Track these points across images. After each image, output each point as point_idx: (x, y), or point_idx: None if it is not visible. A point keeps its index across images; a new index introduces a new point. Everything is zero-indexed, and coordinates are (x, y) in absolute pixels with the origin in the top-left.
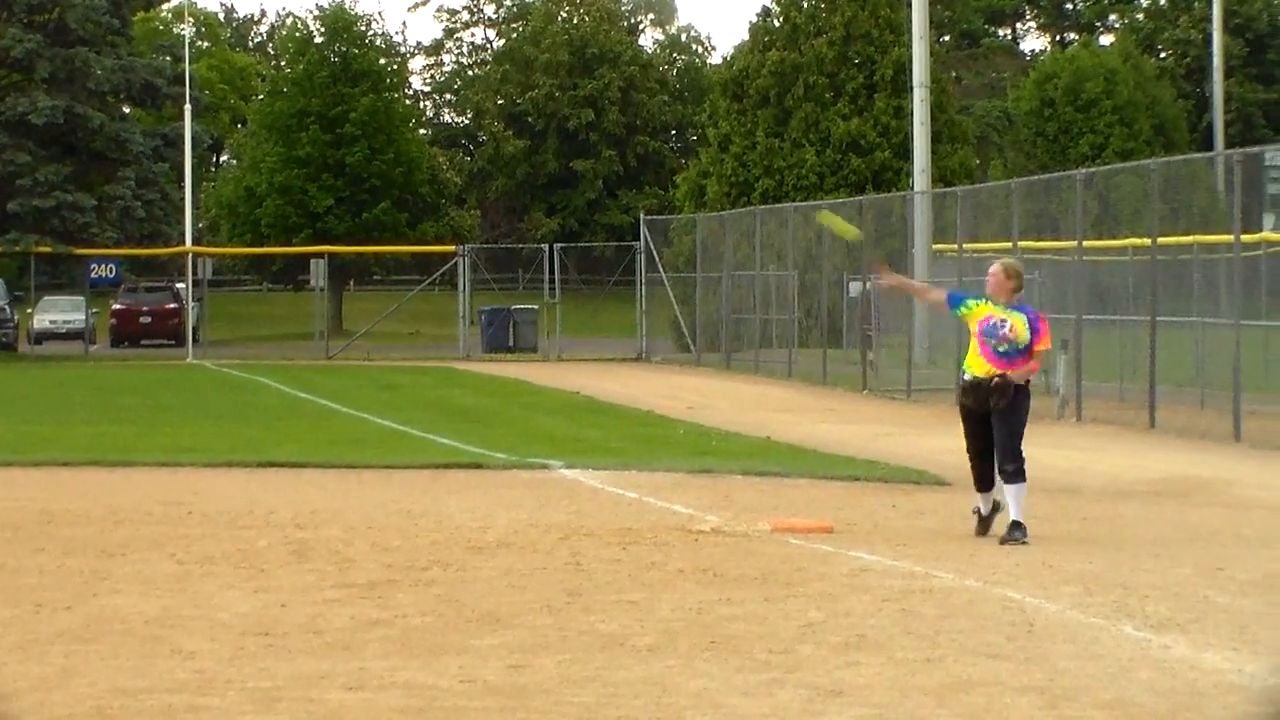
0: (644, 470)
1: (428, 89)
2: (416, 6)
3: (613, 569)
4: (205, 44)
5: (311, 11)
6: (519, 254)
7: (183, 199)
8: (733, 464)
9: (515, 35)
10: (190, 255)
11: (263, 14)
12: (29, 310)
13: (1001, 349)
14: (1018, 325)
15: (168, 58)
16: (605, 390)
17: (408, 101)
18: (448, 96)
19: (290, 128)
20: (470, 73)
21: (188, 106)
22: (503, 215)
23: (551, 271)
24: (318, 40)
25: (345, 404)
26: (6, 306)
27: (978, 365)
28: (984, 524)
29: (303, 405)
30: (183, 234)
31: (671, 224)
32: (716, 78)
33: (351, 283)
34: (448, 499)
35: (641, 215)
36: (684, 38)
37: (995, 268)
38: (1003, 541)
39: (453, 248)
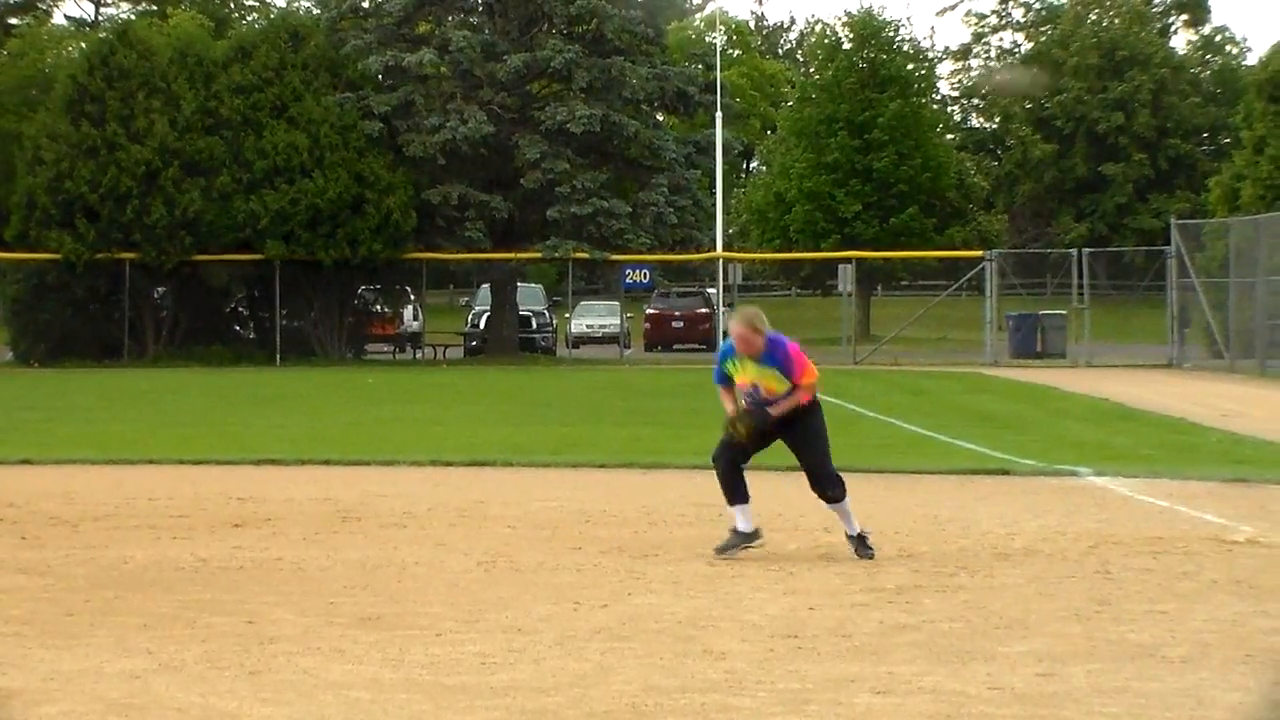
0: (1175, 478)
1: (955, 93)
2: (944, 11)
3: (1143, 578)
4: (736, 52)
5: (840, 18)
6: (1046, 259)
7: (714, 205)
8: (1269, 474)
9: (1044, 38)
10: (721, 260)
11: (792, 21)
12: (567, 315)
13: (769, 404)
14: (771, 384)
15: (699, 66)
16: (1135, 397)
17: (935, 106)
18: (975, 101)
19: (819, 134)
20: (999, 76)
21: (718, 114)
22: (1030, 220)
23: (1080, 277)
24: (846, 46)
25: (872, 409)
26: (546, 311)
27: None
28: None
29: (831, 409)
30: (713, 239)
31: (1204, 228)
32: (1252, 79)
33: (879, 287)
34: (975, 505)
35: (1173, 220)
36: (1218, 38)
37: (736, 328)
38: (861, 555)
39: (980, 253)
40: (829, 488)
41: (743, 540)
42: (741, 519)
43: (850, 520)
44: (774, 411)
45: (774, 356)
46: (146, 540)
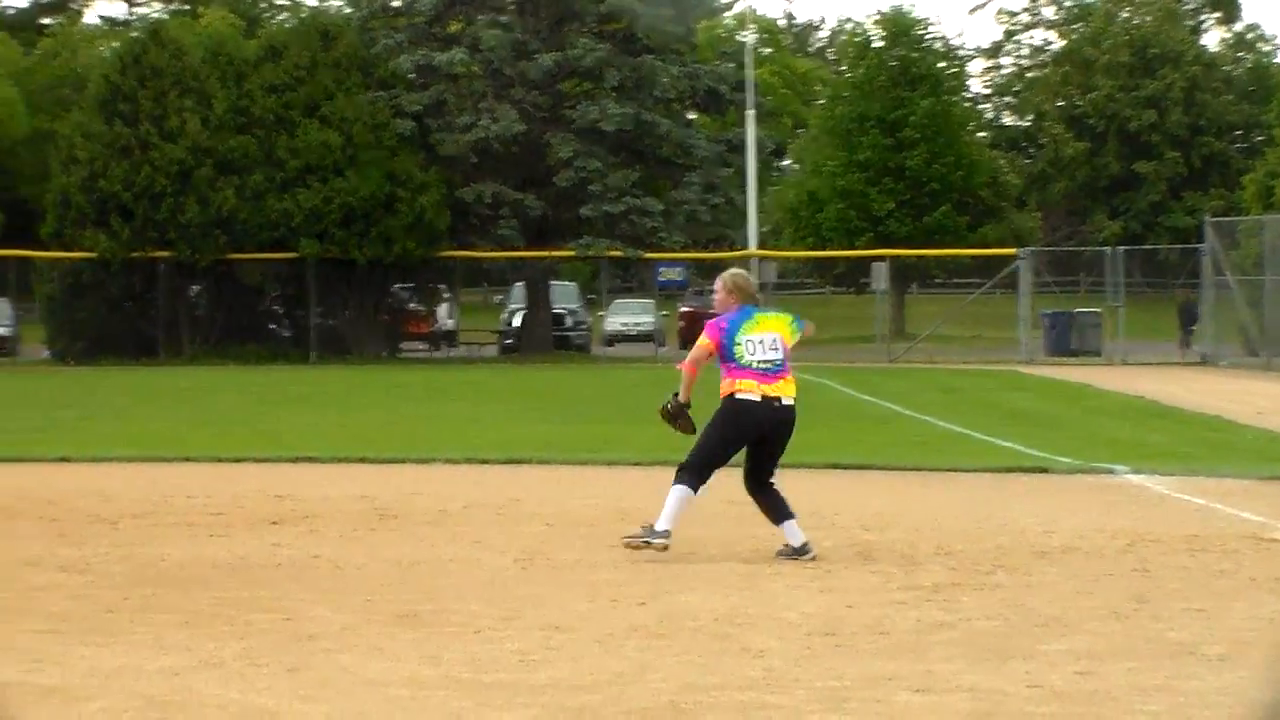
0: (1211, 476)
1: (987, 91)
2: (976, 9)
3: (1181, 576)
4: (767, 50)
5: (871, 16)
6: (1080, 257)
7: (746, 203)
8: None
9: (1075, 36)
10: (754, 259)
11: (823, 20)
12: (600, 313)
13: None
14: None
15: (731, 64)
16: (1170, 394)
17: (967, 104)
18: (1007, 99)
19: (851, 132)
20: (1030, 75)
21: (750, 112)
22: (1063, 218)
23: (1114, 275)
24: (877, 44)
25: (908, 406)
26: (580, 309)
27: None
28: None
29: (865, 408)
30: (746, 238)
31: (1238, 226)
32: None
33: (913, 285)
34: (1012, 503)
35: (1206, 218)
36: (1250, 36)
37: (717, 283)
38: (630, 545)
39: (1013, 251)
40: (681, 466)
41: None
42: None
43: (671, 516)
44: (682, 396)
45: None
46: (184, 538)
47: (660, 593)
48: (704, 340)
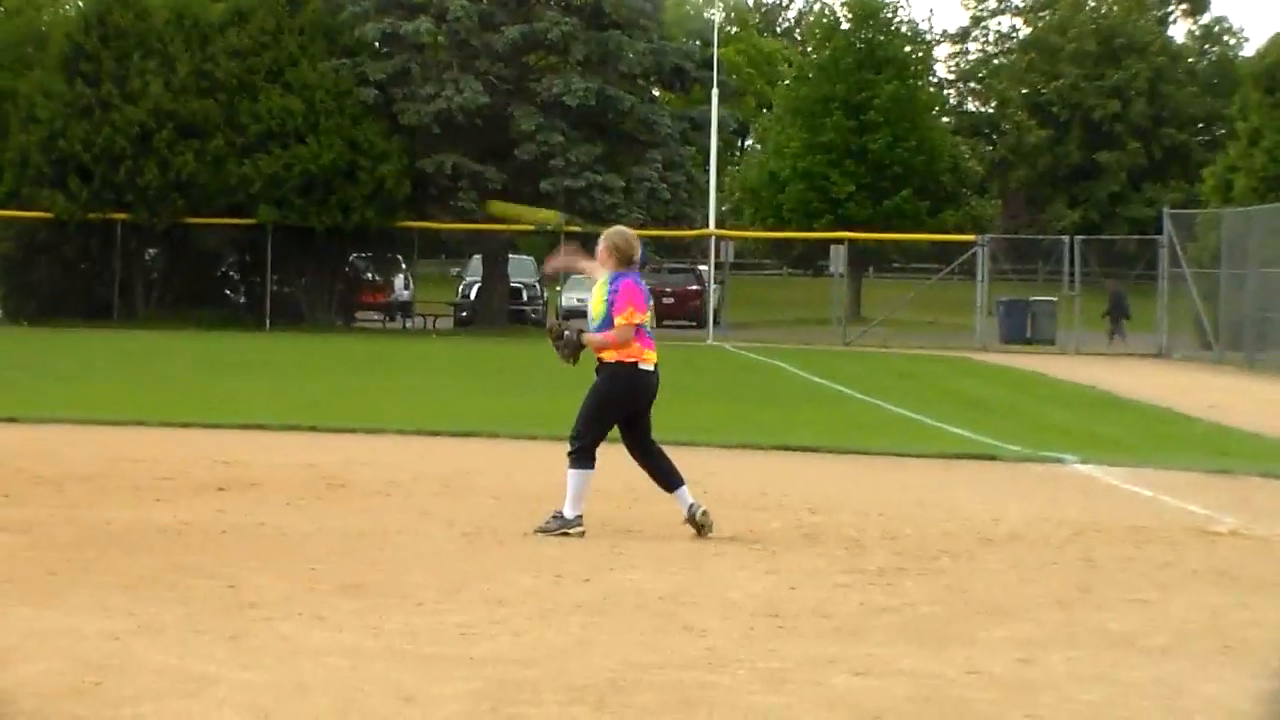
0: (1160, 468)
1: (952, 77)
2: None
3: (1125, 566)
4: (734, 29)
5: None
6: (1039, 245)
7: (707, 182)
8: (1253, 466)
9: (1042, 24)
10: (713, 238)
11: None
12: (558, 288)
13: (593, 327)
14: (595, 298)
15: (697, 42)
16: (1122, 385)
17: (932, 89)
18: (972, 85)
19: (815, 113)
20: (995, 61)
21: (715, 90)
22: (1023, 205)
23: (1071, 264)
24: (844, 26)
25: (861, 390)
26: (537, 284)
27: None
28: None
29: (819, 390)
30: (706, 216)
31: (1196, 219)
32: (1248, 70)
33: (871, 269)
34: (959, 489)
35: (1166, 209)
36: (1216, 28)
37: (600, 240)
38: (547, 532)
39: (972, 237)
40: (571, 444)
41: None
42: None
43: (577, 499)
44: (587, 336)
45: (615, 279)
46: (130, 501)
47: (604, 570)
48: (636, 315)
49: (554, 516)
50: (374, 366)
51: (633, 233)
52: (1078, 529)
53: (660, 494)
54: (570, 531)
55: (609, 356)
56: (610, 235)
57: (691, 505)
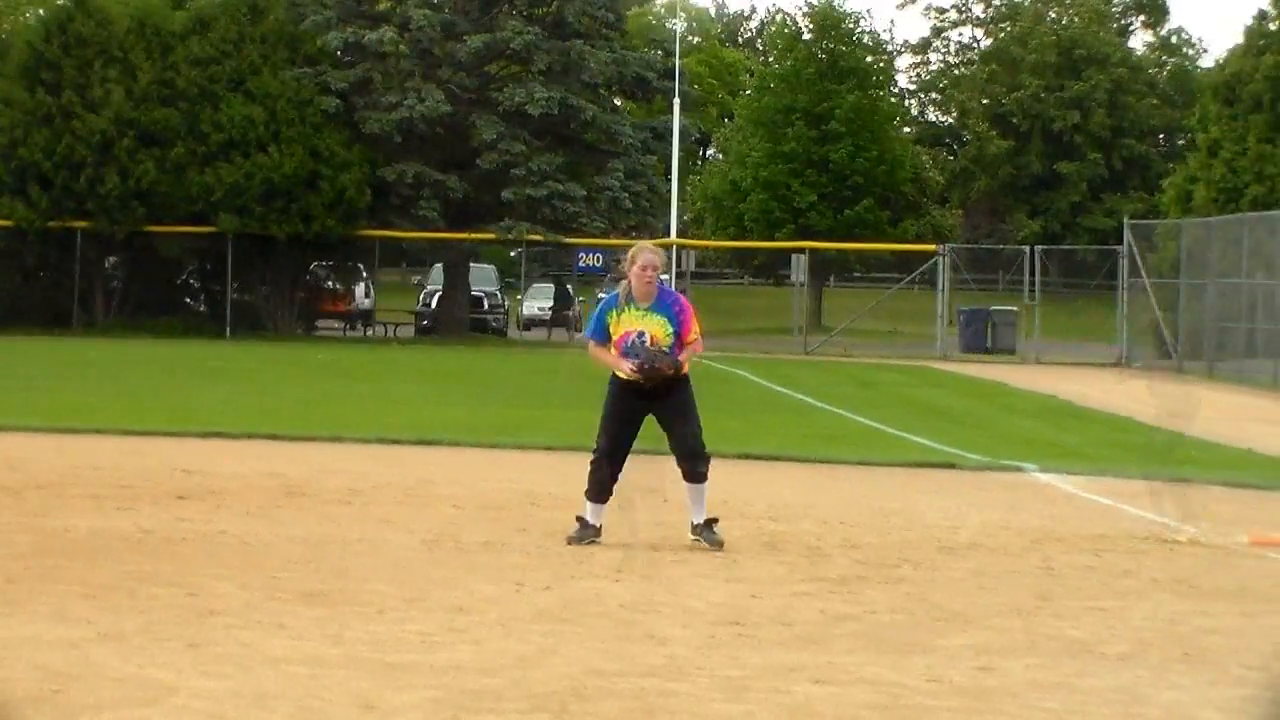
0: (1119, 477)
1: (913, 87)
2: (905, 4)
3: (1084, 575)
4: (696, 39)
5: (801, 8)
6: (999, 255)
7: (669, 191)
8: (1213, 474)
9: (1003, 35)
10: (675, 247)
11: (753, 10)
12: (519, 297)
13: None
14: (656, 332)
15: (659, 52)
16: (1082, 395)
17: (893, 99)
18: (933, 95)
19: (776, 123)
20: (956, 72)
21: (676, 100)
22: (984, 215)
23: (1032, 274)
24: (806, 37)
25: (822, 399)
26: (498, 293)
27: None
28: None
29: (780, 399)
30: (668, 226)
31: (1156, 229)
32: (1208, 81)
33: (832, 278)
34: (920, 498)
35: (1126, 220)
36: (1175, 40)
37: (651, 257)
38: (710, 544)
39: (933, 247)
40: (703, 464)
41: (592, 533)
42: (594, 514)
43: (702, 506)
44: (683, 358)
45: (664, 303)
46: (90, 510)
47: (566, 578)
48: (698, 328)
49: (699, 525)
50: (335, 375)
51: (655, 244)
52: (1038, 537)
53: (624, 503)
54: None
55: (697, 351)
56: (651, 254)
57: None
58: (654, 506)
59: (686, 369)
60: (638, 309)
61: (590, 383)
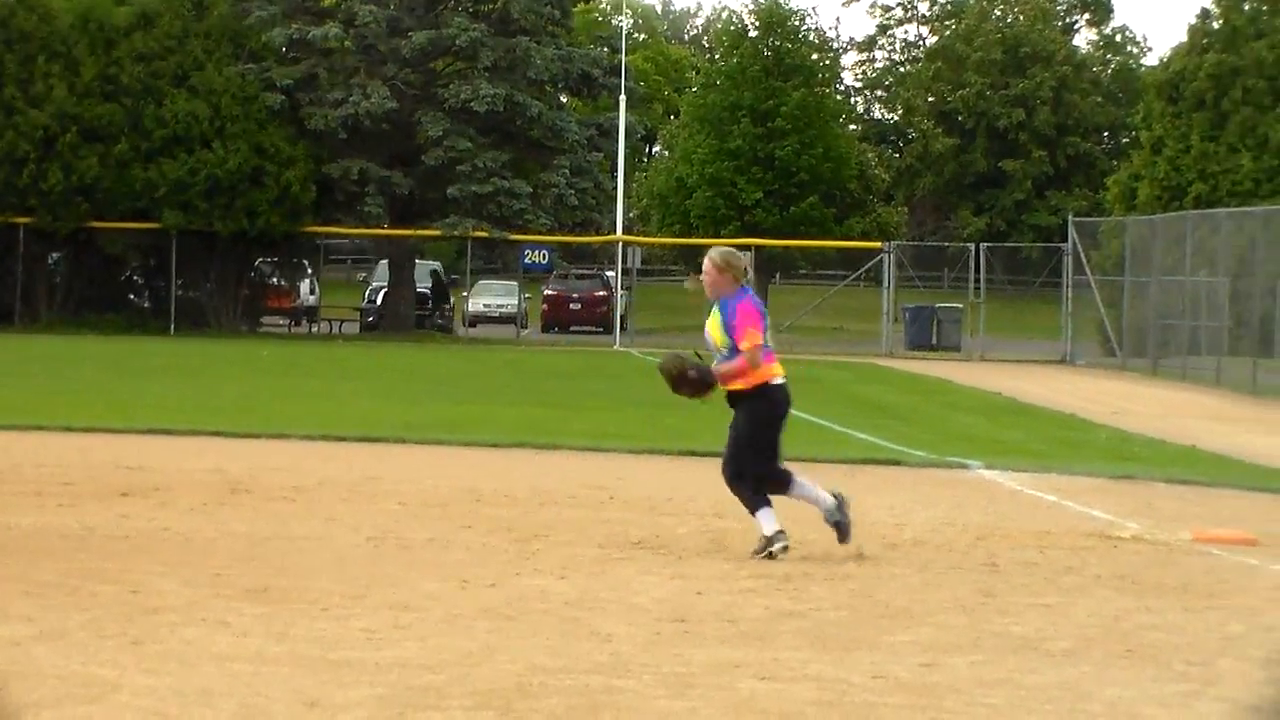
0: (1064, 474)
1: (859, 85)
2: (850, 2)
3: (1029, 571)
4: (642, 36)
5: (747, 6)
6: (944, 252)
7: (615, 188)
8: (1155, 471)
9: (948, 33)
10: (620, 244)
11: (699, 7)
12: (464, 294)
13: (719, 357)
14: (714, 332)
15: (605, 49)
16: (1027, 392)
17: (839, 97)
18: (879, 93)
19: (722, 120)
20: (902, 69)
21: (622, 97)
22: (929, 213)
23: (977, 271)
24: (752, 34)
25: None
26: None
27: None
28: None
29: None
30: (614, 223)
31: (1100, 227)
32: (1151, 79)
33: (778, 275)
34: (865, 495)
35: (1070, 217)
36: (1118, 38)
37: (706, 264)
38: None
39: (879, 244)
40: (737, 493)
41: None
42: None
43: (759, 531)
44: (716, 369)
45: (723, 303)
46: (32, 507)
47: (510, 575)
48: (757, 336)
49: (765, 542)
50: (280, 371)
51: (736, 250)
52: (982, 534)
53: (569, 499)
54: (775, 549)
55: (740, 385)
56: (726, 256)
57: (776, 534)
58: (600, 503)
59: (735, 385)
60: (713, 308)
61: (537, 380)
